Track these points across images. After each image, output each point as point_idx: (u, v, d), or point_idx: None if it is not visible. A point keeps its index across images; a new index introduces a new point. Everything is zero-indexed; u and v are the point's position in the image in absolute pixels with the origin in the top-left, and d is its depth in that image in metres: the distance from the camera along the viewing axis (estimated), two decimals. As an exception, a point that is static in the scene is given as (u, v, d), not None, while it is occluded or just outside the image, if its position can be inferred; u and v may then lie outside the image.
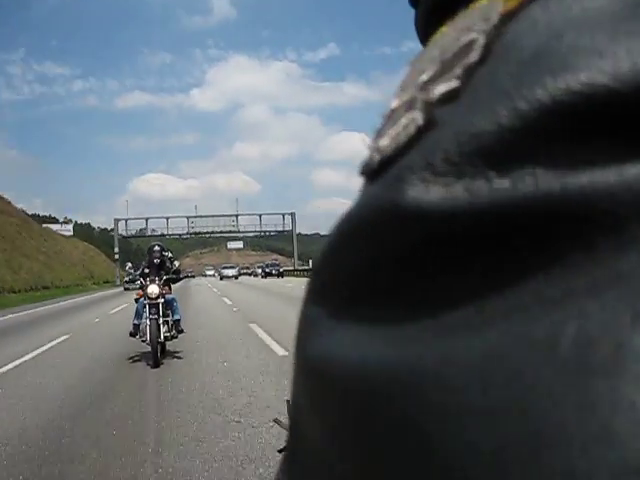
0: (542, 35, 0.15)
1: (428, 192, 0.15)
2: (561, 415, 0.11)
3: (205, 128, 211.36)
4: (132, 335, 8.34)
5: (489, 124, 0.14)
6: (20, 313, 20.62)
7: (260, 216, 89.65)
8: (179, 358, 8.22)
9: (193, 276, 76.64)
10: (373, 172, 0.18)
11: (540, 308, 0.13)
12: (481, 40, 0.16)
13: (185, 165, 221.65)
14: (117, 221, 78.18)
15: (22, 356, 9.22)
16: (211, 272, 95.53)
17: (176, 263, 8.74)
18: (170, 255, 8.76)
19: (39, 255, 48.61)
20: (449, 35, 0.18)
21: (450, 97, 0.16)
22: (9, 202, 54.34)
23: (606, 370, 0.11)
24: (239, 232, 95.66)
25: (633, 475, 0.10)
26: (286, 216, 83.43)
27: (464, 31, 0.17)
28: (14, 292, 35.10)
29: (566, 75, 0.14)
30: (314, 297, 0.19)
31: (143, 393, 6.25)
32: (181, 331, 8.53)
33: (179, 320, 8.47)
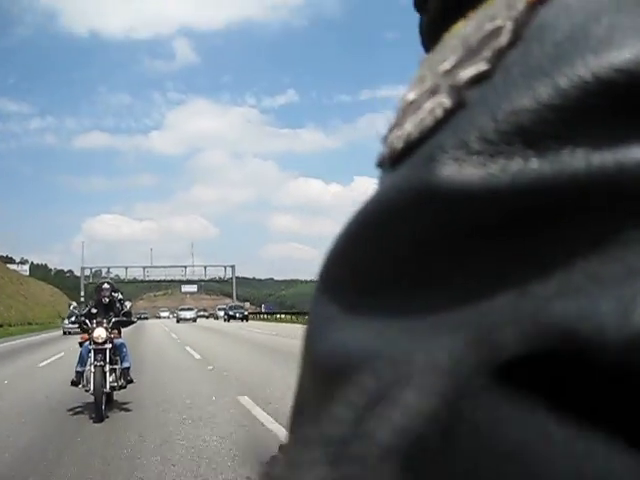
0: (577, 17, 0.14)
1: (462, 171, 0.14)
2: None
3: (163, 171, 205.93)
4: (74, 384, 7.30)
5: (528, 102, 0.14)
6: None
7: (205, 267, 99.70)
8: (127, 410, 7.26)
9: (146, 318, 70.92)
10: (397, 157, 0.17)
11: (596, 287, 0.12)
12: (509, 25, 0.15)
13: (142, 207, 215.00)
14: (83, 269, 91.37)
15: None
16: (166, 314, 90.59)
17: (127, 304, 7.77)
18: (120, 296, 7.84)
19: (19, 297, 56.66)
20: (470, 26, 0.17)
21: (480, 79, 0.15)
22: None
23: None
24: (189, 280, 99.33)
25: None
26: (227, 268, 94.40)
27: (487, 20, 0.16)
28: (10, 325, 43.86)
29: (609, 52, 0.13)
30: (325, 294, 0.18)
31: (84, 454, 5.31)
32: (130, 381, 7.54)
33: (128, 368, 7.48)
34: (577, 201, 0.13)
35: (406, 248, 0.15)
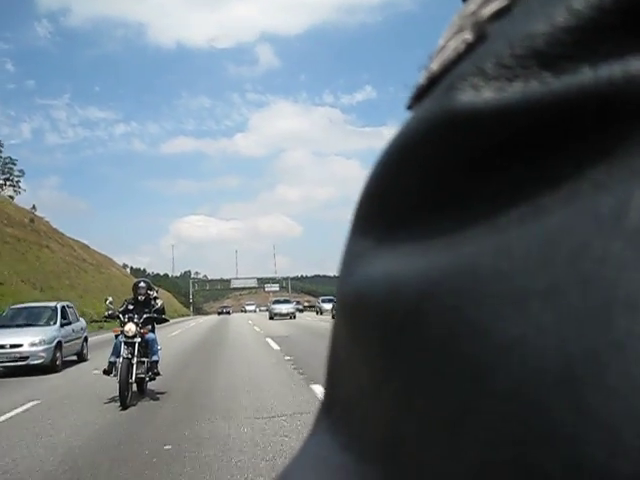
0: None
1: (480, 96, 0.14)
2: (634, 279, 0.11)
3: (248, 172, 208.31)
4: (106, 373, 7.59)
5: (543, 26, 0.14)
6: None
7: (283, 280, 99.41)
8: (155, 400, 7.48)
9: (228, 312, 68.96)
10: (421, 93, 0.17)
11: (604, 188, 0.12)
12: None
13: (228, 207, 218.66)
14: (189, 273, 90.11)
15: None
16: (252, 307, 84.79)
17: (159, 302, 8.00)
18: (155, 294, 8.07)
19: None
20: None
21: (501, 13, 0.15)
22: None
23: None
24: (272, 279, 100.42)
25: None
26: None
27: None
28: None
29: None
30: (357, 230, 0.18)
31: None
32: (157, 373, 7.78)
33: (157, 362, 7.73)
34: (585, 111, 0.13)
35: (429, 175, 0.16)
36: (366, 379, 0.16)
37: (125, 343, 7.32)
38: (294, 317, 37.72)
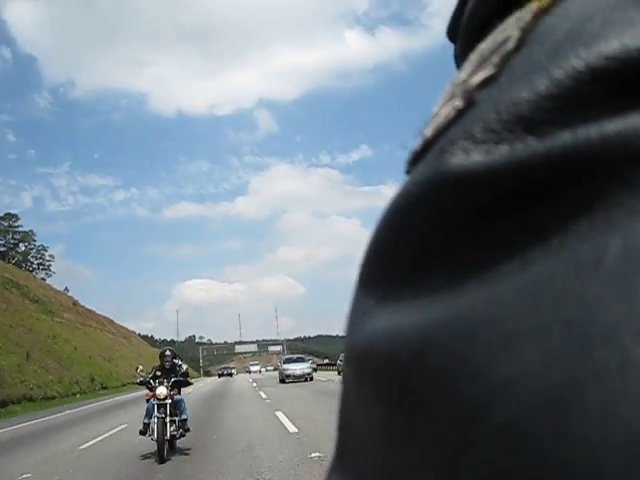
0: (575, 19, 0.15)
1: (469, 159, 0.15)
2: (610, 315, 0.12)
3: (250, 234, 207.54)
4: (142, 433, 8.44)
5: (527, 93, 0.14)
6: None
7: (283, 343, 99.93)
8: (186, 454, 8.31)
9: (230, 374, 63.97)
10: (415, 157, 0.18)
11: (585, 239, 0.13)
12: (516, 34, 0.16)
13: (230, 270, 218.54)
14: (201, 343, 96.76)
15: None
16: (256, 367, 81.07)
17: (184, 367, 8.98)
18: (180, 362, 9.03)
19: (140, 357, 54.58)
20: (486, 42, 0.18)
21: (489, 81, 0.16)
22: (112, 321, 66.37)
23: None
24: (274, 341, 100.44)
25: None
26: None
27: (500, 33, 0.17)
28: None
29: (599, 44, 0.14)
30: (361, 289, 0.18)
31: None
32: (187, 429, 8.65)
33: (186, 420, 8.60)
34: (566, 171, 0.14)
35: (423, 234, 0.16)
36: (374, 427, 0.16)
37: (157, 405, 8.21)
38: (311, 379, 29.98)
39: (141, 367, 9.01)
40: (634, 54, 0.13)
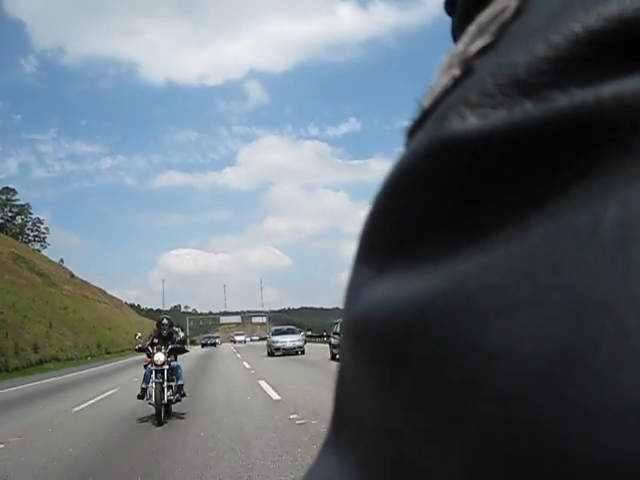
0: None
1: (465, 123, 0.15)
2: (606, 283, 0.11)
3: (238, 205, 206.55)
4: (140, 397, 8.70)
5: (523, 57, 0.14)
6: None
7: (269, 312, 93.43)
8: (181, 419, 8.57)
9: (214, 344, 60.13)
10: (414, 127, 0.18)
11: (582, 205, 0.13)
12: (514, 3, 0.16)
13: (217, 240, 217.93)
14: (187, 313, 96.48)
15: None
16: (241, 337, 78.37)
17: (181, 334, 9.22)
18: (176, 329, 9.26)
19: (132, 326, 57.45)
20: (484, 13, 0.18)
21: (486, 49, 0.16)
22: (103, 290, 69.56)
23: None
24: (260, 312, 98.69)
25: None
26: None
27: (498, 3, 0.17)
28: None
29: (598, 6, 0.14)
30: (359, 260, 0.18)
31: (148, 447, 6.64)
32: (184, 395, 8.90)
33: (182, 385, 8.83)
34: (562, 135, 0.13)
35: (421, 203, 0.16)
36: (370, 399, 0.16)
37: (155, 371, 8.44)
38: (302, 352, 27.21)
39: (139, 334, 9.23)
40: (633, 14, 0.13)
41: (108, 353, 43.95)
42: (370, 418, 0.16)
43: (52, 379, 20.90)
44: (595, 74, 0.13)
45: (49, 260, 61.71)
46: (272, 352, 27.59)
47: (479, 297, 0.13)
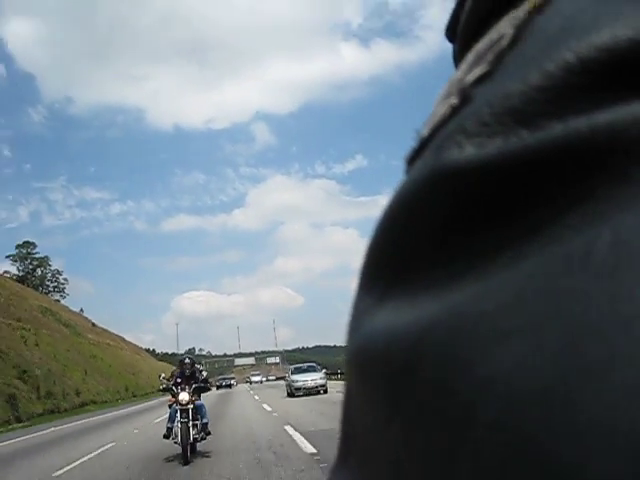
0: (567, 15, 0.15)
1: (463, 152, 0.15)
2: (598, 309, 0.12)
3: (247, 246, 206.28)
4: (165, 437, 8.74)
5: (519, 86, 0.14)
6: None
7: (283, 352, 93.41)
8: (207, 457, 8.59)
9: (229, 386, 57.99)
10: (413, 156, 0.18)
11: (576, 231, 0.13)
12: (510, 32, 0.16)
13: (229, 282, 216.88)
14: (201, 356, 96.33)
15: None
16: (258, 378, 76.23)
17: (204, 373, 9.31)
18: (200, 368, 9.36)
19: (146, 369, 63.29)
20: (482, 41, 0.18)
21: (484, 78, 0.16)
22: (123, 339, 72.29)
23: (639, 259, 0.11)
24: (274, 352, 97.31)
25: None
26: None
27: (495, 32, 0.17)
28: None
29: (590, 35, 0.14)
30: (362, 288, 0.18)
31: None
32: (209, 433, 8.93)
33: (207, 423, 8.88)
34: (557, 163, 0.13)
35: (420, 232, 0.16)
36: (374, 425, 0.16)
37: (180, 410, 8.51)
38: (325, 391, 24.21)
39: (163, 374, 9.33)
40: (624, 44, 0.13)
41: (134, 396, 48.73)
42: (374, 444, 0.16)
43: (94, 418, 24.10)
44: (588, 102, 0.14)
45: (70, 310, 63.17)
46: (292, 392, 24.46)
47: (476, 324, 0.13)
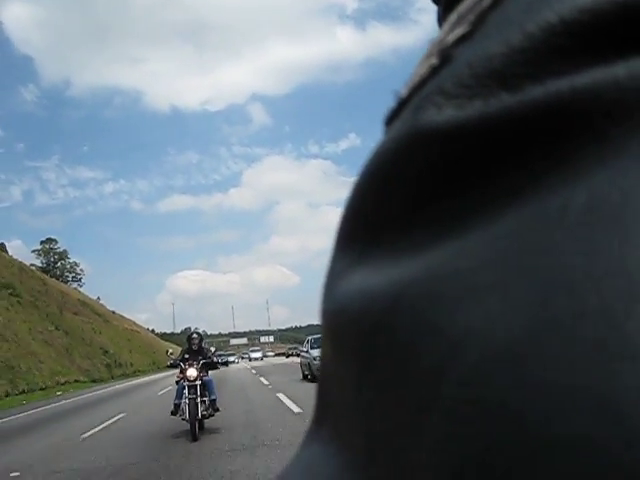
0: None
1: (441, 113, 0.15)
2: (570, 265, 0.12)
3: (243, 225, 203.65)
4: (173, 414, 8.40)
5: (500, 48, 0.14)
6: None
7: (277, 332, 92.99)
8: (215, 433, 8.28)
9: (226, 363, 46.68)
10: (391, 116, 0.17)
11: (552, 193, 0.13)
12: None
13: (224, 261, 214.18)
14: (190, 330, 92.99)
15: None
16: (258, 354, 70.08)
17: (212, 349, 8.98)
18: (207, 346, 9.02)
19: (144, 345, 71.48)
20: (465, 2, 0.17)
21: (463, 38, 0.16)
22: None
23: (616, 220, 0.12)
24: (267, 331, 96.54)
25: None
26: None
27: None
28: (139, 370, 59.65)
29: None
30: (338, 249, 0.18)
31: (184, 460, 6.39)
32: (217, 409, 8.58)
33: (215, 400, 8.53)
34: (536, 125, 0.13)
35: (398, 191, 0.16)
36: (348, 389, 0.16)
37: (188, 386, 8.16)
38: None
39: (171, 350, 9.00)
40: (605, 6, 0.13)
41: (159, 368, 59.05)
42: (348, 407, 0.16)
43: (142, 379, 38.99)
44: (570, 64, 0.13)
45: (92, 299, 71.94)
46: (313, 374, 16.22)
47: (448, 283, 0.13)
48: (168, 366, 8.88)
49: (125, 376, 47.97)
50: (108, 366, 47.38)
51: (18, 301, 40.32)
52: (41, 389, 30.17)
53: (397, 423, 0.13)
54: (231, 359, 58.62)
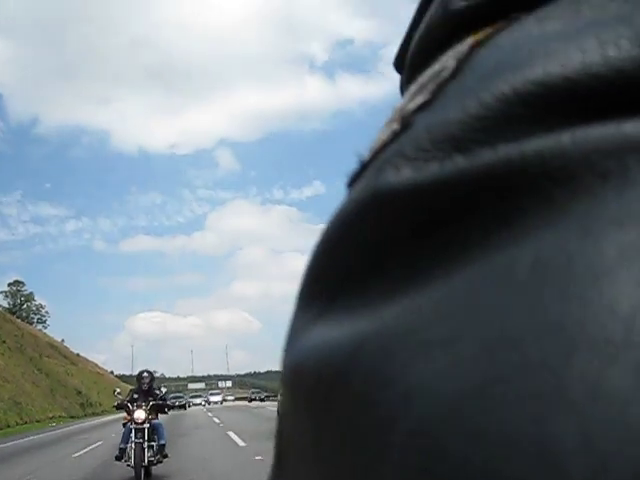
0: (505, 50, 0.16)
1: (400, 175, 0.15)
2: (515, 320, 0.12)
3: (206, 269, 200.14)
4: (118, 459, 7.67)
5: (457, 115, 0.15)
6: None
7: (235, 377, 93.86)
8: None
9: (184, 406, 45.86)
10: (353, 178, 0.18)
11: (500, 251, 0.13)
12: (452, 64, 0.17)
13: (185, 304, 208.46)
14: (156, 378, 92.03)
15: None
16: (218, 398, 65.98)
17: (163, 389, 8.33)
18: (160, 385, 8.38)
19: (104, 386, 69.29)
20: (426, 72, 0.18)
21: (424, 106, 0.17)
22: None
23: (560, 278, 0.12)
24: (225, 376, 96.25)
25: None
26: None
27: (438, 64, 0.18)
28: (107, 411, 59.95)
29: (525, 70, 0.15)
30: (299, 306, 0.19)
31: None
32: (165, 456, 7.88)
33: (164, 445, 7.86)
34: (488, 185, 0.14)
35: (356, 251, 0.16)
36: (306, 440, 0.16)
37: (135, 430, 7.47)
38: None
39: (118, 390, 8.36)
40: (555, 79, 0.14)
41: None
42: (307, 458, 0.16)
43: (110, 417, 36.72)
44: (520, 132, 0.14)
45: (56, 340, 70.72)
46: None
47: (401, 339, 0.14)
48: (115, 407, 8.19)
49: (96, 414, 52.44)
50: (82, 405, 53.75)
51: (8, 347, 45.35)
52: (37, 421, 38.52)
53: (354, 473, 0.14)
54: (197, 401, 57.36)
